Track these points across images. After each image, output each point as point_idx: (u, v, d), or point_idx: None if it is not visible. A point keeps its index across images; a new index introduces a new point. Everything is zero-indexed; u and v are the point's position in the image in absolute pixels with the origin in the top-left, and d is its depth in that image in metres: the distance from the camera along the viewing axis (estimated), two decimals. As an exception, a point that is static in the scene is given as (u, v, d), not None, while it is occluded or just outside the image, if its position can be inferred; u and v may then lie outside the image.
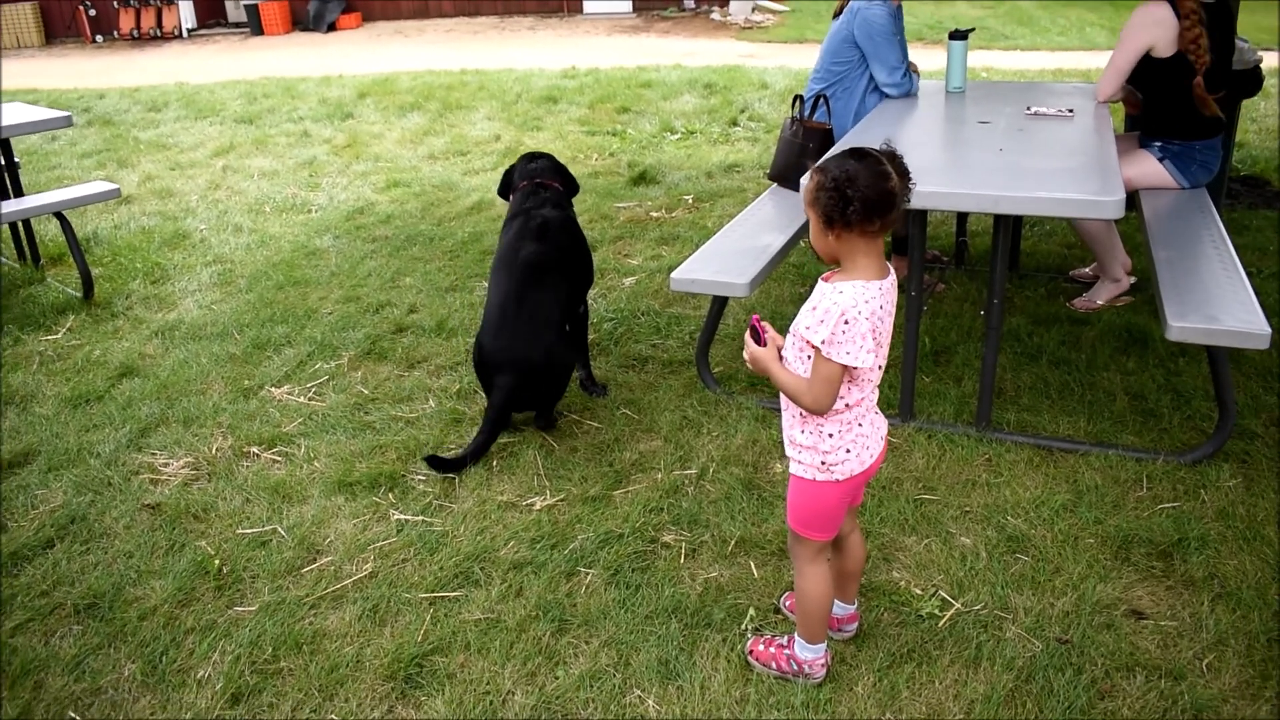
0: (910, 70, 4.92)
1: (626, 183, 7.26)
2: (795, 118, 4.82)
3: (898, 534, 3.13)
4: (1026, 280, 5.13)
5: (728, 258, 4.01)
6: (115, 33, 19.48)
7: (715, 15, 18.55)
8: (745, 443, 3.67)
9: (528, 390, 3.68)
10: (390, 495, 3.45)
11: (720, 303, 4.07)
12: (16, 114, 5.68)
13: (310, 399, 4.17)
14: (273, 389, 4.26)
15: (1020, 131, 4.11)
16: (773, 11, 18.56)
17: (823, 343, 2.20)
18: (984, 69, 11.60)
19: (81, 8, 19.34)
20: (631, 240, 6.03)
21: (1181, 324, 3.22)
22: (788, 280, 5.25)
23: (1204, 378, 3.97)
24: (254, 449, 3.79)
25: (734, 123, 9.22)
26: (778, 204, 4.69)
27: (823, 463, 2.36)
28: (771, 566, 3.00)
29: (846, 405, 2.32)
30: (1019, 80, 10.60)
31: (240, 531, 3.29)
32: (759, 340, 2.38)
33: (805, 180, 2.30)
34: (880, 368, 2.33)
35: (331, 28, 19.19)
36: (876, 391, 2.39)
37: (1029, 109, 4.49)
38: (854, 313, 2.19)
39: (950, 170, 3.75)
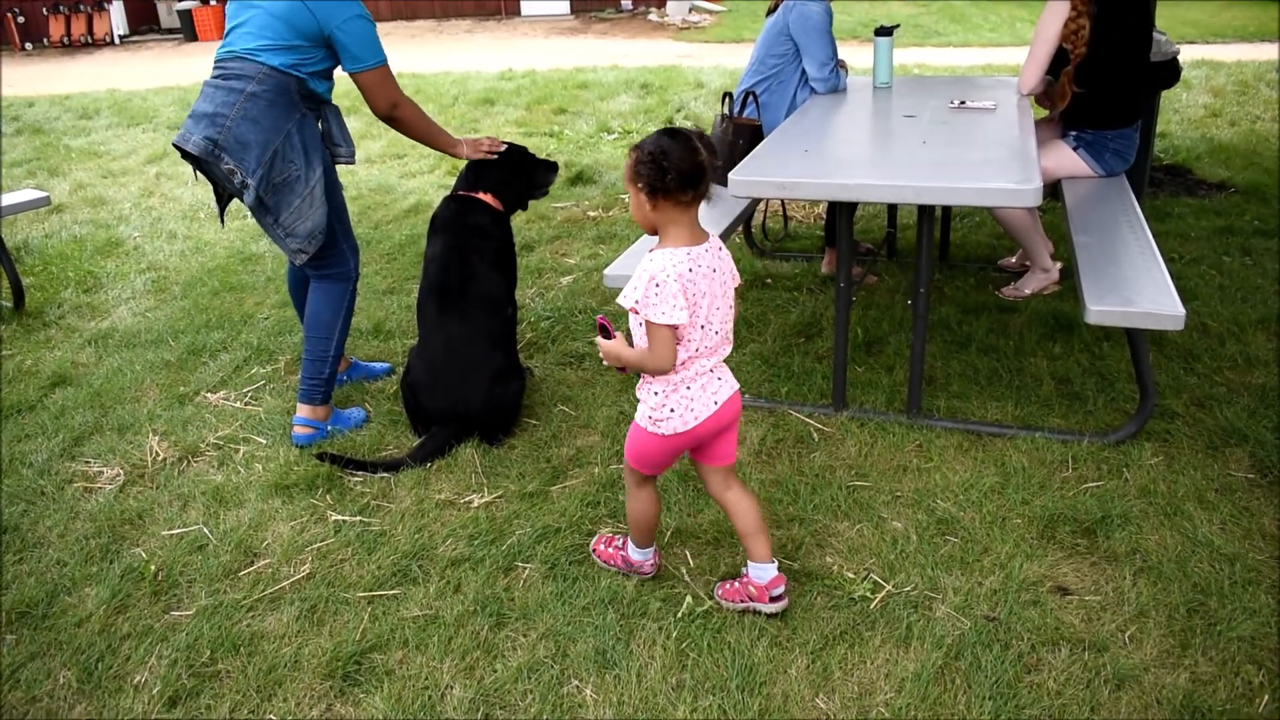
0: (839, 67, 5.00)
1: (564, 183, 7.28)
2: (725, 115, 4.87)
3: (830, 520, 3.19)
4: (956, 270, 5.23)
5: (661, 253, 4.05)
6: (45, 40, 19.16)
7: (653, 16, 18.64)
8: (682, 435, 3.71)
9: (469, 434, 3.72)
10: (328, 496, 3.45)
11: (655, 298, 4.10)
12: (-60, 123, 5.59)
13: (246, 404, 4.15)
14: (208, 394, 4.24)
15: (944, 124, 4.19)
16: (709, 12, 18.69)
17: (637, 304, 2.47)
18: (916, 65, 11.78)
19: (10, 15, 18.98)
20: (569, 240, 6.06)
21: (1099, 307, 3.31)
22: (724, 276, 5.30)
23: (1127, 361, 4.08)
24: (190, 455, 3.77)
25: (670, 122, 9.29)
26: (709, 200, 4.73)
27: (649, 417, 2.63)
28: (707, 556, 3.05)
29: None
30: (947, 75, 10.77)
31: (175, 534, 3.28)
32: (609, 335, 2.61)
33: (626, 160, 2.54)
34: (717, 333, 2.57)
35: (266, 33, 18.99)
36: (717, 358, 2.62)
37: (953, 102, 4.58)
38: (662, 276, 2.44)
39: (876, 163, 3.82)
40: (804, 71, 4.92)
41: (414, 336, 4.02)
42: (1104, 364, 4.11)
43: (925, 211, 3.55)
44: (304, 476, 3.54)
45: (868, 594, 2.84)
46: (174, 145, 3.47)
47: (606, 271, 3.90)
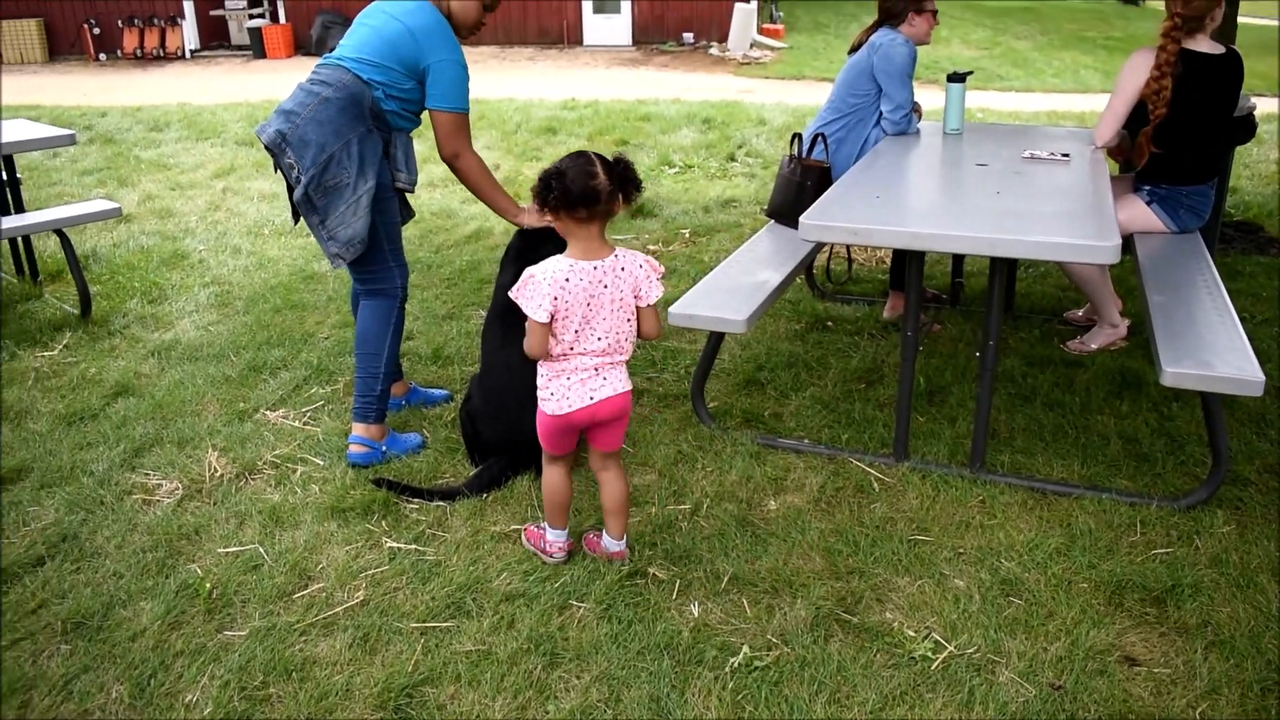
0: (914, 111, 4.98)
1: (624, 215, 7.28)
2: (793, 155, 4.86)
3: (891, 574, 3.13)
4: (1021, 322, 5.16)
5: (725, 293, 4.03)
6: (119, 52, 19.55)
7: (714, 50, 18.70)
8: (740, 479, 3.67)
9: (526, 465, 3.69)
10: (383, 522, 3.44)
11: (717, 338, 4.08)
12: (19, 130, 5.70)
13: (305, 423, 4.16)
14: (268, 412, 4.26)
15: (1017, 175, 4.14)
16: (770, 48, 18.71)
17: (514, 291, 2.79)
18: (980, 110, 11.71)
19: (86, 26, 19.42)
20: (629, 272, 6.04)
21: (1176, 370, 3.24)
22: (784, 316, 5.27)
23: (1197, 422, 3.99)
24: (248, 472, 3.78)
25: (731, 158, 9.29)
26: (775, 240, 4.71)
27: (539, 395, 2.95)
28: (764, 605, 3.00)
29: (549, 354, 2.87)
30: (1014, 122, 10.68)
31: (231, 552, 3.28)
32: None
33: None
34: (600, 340, 2.85)
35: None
36: (603, 360, 2.88)
37: (1026, 153, 4.53)
38: (542, 275, 2.76)
39: (948, 212, 3.77)
40: (880, 113, 4.90)
41: (473, 363, 4.02)
42: (1173, 425, 4.02)
43: (997, 264, 3.49)
44: (360, 501, 3.54)
45: (929, 654, 2.77)
46: (255, 133, 3.74)
47: (671, 310, 3.89)
